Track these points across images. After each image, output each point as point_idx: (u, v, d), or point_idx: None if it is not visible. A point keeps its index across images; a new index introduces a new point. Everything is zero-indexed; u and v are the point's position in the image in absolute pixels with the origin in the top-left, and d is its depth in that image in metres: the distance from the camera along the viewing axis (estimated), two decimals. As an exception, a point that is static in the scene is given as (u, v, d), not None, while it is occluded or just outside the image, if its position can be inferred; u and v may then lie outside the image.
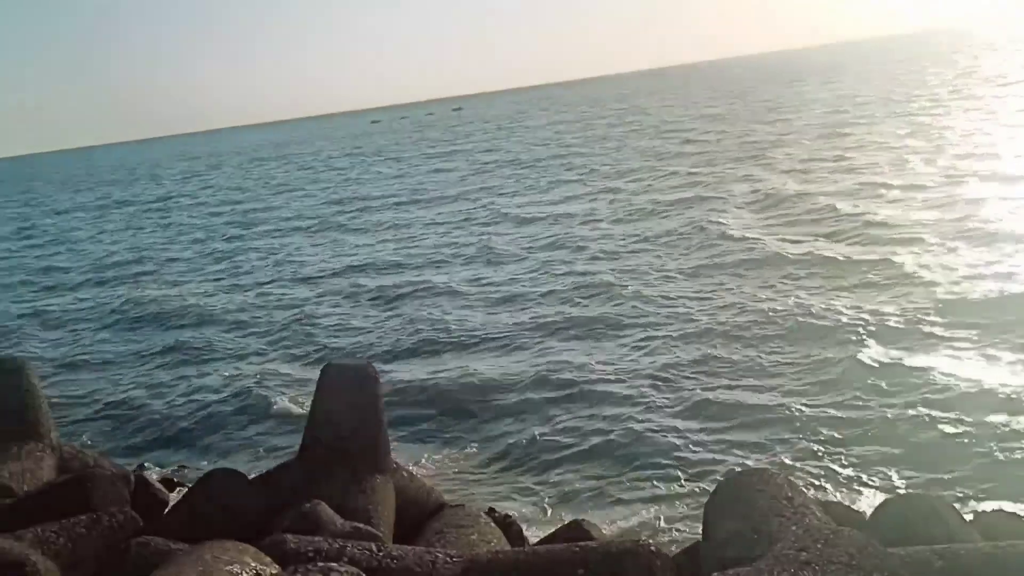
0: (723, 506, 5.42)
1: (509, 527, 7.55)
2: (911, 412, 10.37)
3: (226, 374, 14.96)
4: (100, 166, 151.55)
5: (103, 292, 24.96)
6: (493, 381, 13.06)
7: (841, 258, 17.61)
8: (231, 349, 16.64)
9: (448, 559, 5.27)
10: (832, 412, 10.72)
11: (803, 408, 10.89)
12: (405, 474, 7.90)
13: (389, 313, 18.17)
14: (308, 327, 17.51)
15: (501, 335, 15.54)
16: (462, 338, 15.58)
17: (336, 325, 17.69)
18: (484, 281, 20.11)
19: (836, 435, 10.11)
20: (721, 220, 22.71)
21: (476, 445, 11.21)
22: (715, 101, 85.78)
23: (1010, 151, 28.34)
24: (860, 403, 10.84)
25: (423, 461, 10.74)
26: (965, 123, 37.88)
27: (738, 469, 8.92)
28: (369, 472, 7.35)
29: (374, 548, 5.33)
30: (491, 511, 7.99)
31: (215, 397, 13.86)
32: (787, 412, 10.86)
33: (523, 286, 19.02)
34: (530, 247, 23.53)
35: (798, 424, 10.52)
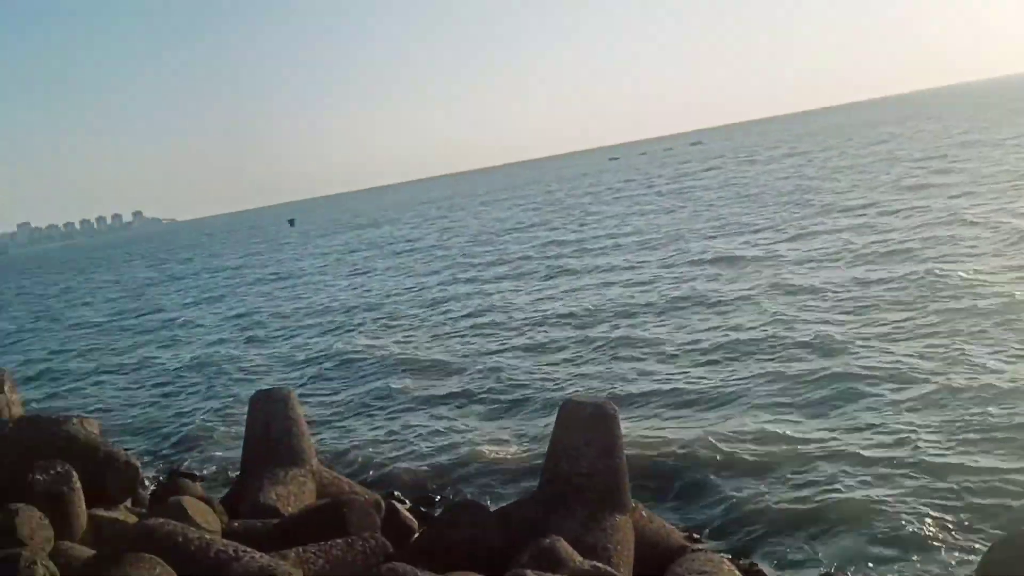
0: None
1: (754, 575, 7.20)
2: None
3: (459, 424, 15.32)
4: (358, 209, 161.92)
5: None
6: (724, 439, 12.42)
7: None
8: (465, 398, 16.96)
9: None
10: None
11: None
12: (644, 514, 7.76)
13: (595, 366, 17.68)
14: (503, 376, 17.47)
15: (713, 390, 14.64)
16: (683, 393, 14.84)
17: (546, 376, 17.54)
18: (689, 329, 19.08)
19: None
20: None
21: (719, 497, 10.71)
22: (972, 127, 79.01)
23: None
24: None
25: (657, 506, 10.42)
26: None
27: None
28: (608, 510, 7.30)
29: (614, 589, 5.25)
30: (735, 559, 7.65)
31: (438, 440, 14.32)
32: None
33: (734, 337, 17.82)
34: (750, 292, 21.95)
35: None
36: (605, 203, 63.96)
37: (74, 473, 6.69)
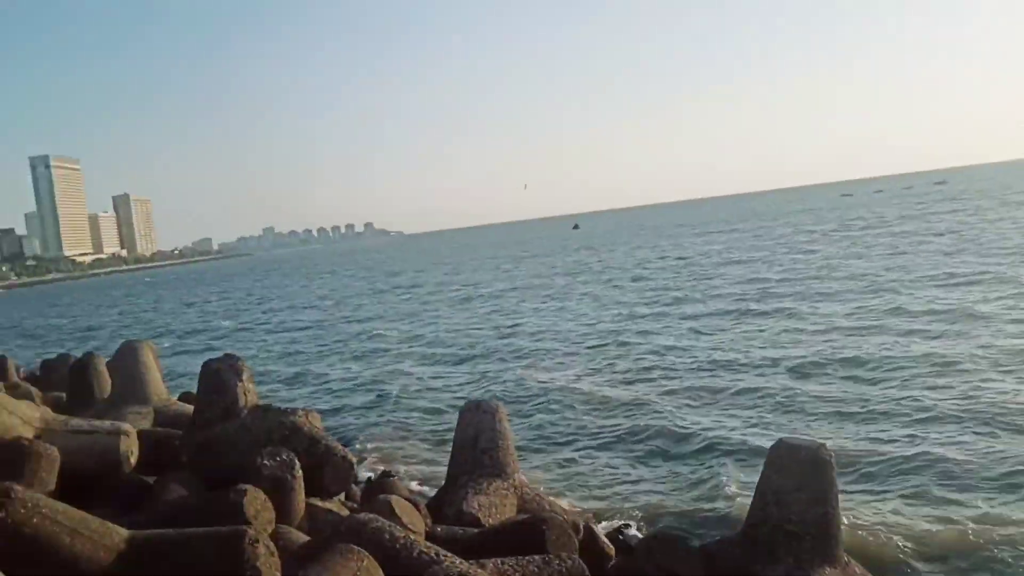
0: None
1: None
2: None
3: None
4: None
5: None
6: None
7: None
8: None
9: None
10: None
11: None
12: (858, 571, 7.27)
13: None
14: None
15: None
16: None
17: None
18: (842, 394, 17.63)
19: None
20: None
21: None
22: None
23: None
24: None
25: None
26: None
27: None
28: (817, 561, 6.90)
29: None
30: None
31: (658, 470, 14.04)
32: None
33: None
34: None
35: None
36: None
37: (297, 462, 7.11)
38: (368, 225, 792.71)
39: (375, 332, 37.50)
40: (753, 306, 31.88)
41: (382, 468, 14.77)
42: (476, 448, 8.72)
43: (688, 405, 18.10)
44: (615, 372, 22.72)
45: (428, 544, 6.33)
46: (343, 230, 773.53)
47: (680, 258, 63.22)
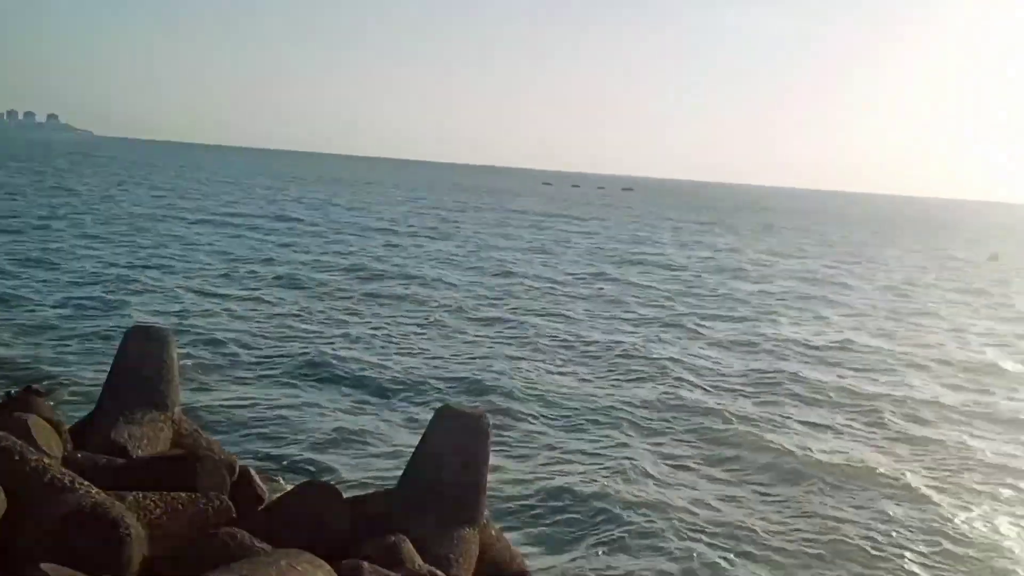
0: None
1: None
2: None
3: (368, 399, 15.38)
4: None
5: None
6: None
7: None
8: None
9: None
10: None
11: None
12: (494, 532, 7.78)
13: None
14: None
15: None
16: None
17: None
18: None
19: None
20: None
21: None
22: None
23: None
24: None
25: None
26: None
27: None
28: (460, 521, 7.28)
29: (444, 598, 5.23)
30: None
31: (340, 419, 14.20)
32: None
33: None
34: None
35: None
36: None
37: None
38: (52, 116, 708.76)
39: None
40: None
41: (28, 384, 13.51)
42: (137, 376, 8.22)
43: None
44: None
45: (64, 471, 5.93)
46: (21, 116, 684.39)
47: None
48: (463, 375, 17.66)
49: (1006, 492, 13.01)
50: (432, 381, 16.95)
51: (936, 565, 10.46)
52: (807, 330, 26.48)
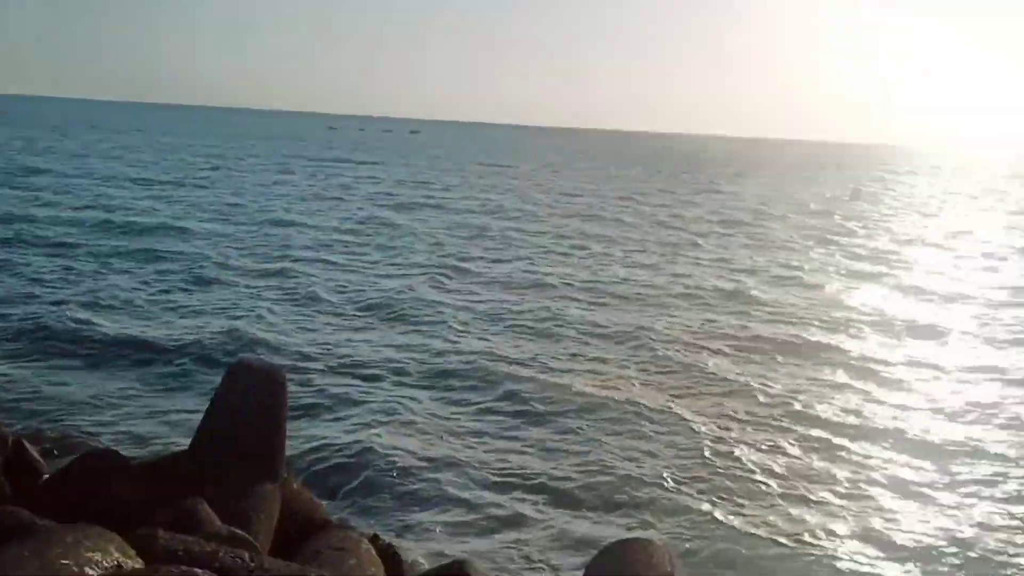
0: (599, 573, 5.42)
1: (390, 557, 7.40)
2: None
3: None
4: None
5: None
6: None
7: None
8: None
9: (319, 581, 5.13)
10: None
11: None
12: (295, 486, 7.73)
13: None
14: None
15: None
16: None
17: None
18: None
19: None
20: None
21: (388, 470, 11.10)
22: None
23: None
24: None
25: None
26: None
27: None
28: (259, 478, 7.18)
29: (246, 557, 5.18)
30: (375, 538, 7.84)
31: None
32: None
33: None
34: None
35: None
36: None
37: None
38: None
39: None
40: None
41: None
42: None
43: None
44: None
45: None
46: None
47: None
48: (235, 330, 17.13)
49: (761, 413, 14.26)
50: (206, 339, 16.34)
51: (692, 484, 11.34)
52: (583, 268, 27.68)
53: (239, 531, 6.15)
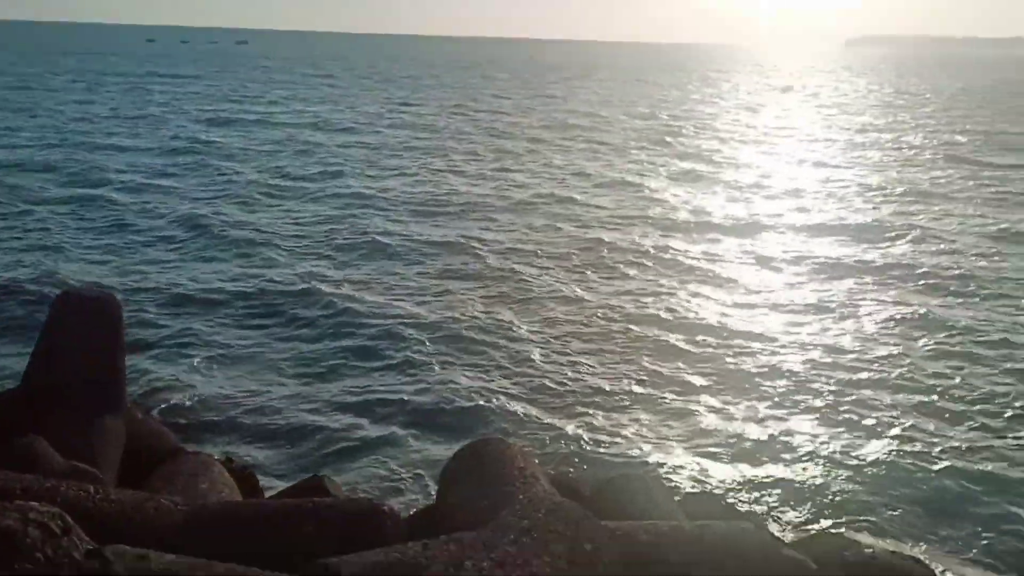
0: (458, 472, 5.61)
1: (245, 478, 7.37)
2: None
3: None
4: None
5: None
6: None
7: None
8: None
9: (172, 506, 5.08)
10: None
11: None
12: (139, 415, 7.54)
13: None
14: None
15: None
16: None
17: None
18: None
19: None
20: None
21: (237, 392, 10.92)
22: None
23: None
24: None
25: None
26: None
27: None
28: (99, 411, 6.95)
29: (91, 490, 5.05)
30: (228, 460, 7.79)
31: None
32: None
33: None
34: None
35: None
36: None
37: None
38: None
39: None
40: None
41: None
42: None
43: None
44: None
45: None
46: None
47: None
48: (43, 264, 16.33)
49: (589, 318, 14.76)
50: (20, 277, 15.31)
51: (533, 395, 11.80)
52: (412, 182, 27.51)
53: (81, 465, 5.98)
